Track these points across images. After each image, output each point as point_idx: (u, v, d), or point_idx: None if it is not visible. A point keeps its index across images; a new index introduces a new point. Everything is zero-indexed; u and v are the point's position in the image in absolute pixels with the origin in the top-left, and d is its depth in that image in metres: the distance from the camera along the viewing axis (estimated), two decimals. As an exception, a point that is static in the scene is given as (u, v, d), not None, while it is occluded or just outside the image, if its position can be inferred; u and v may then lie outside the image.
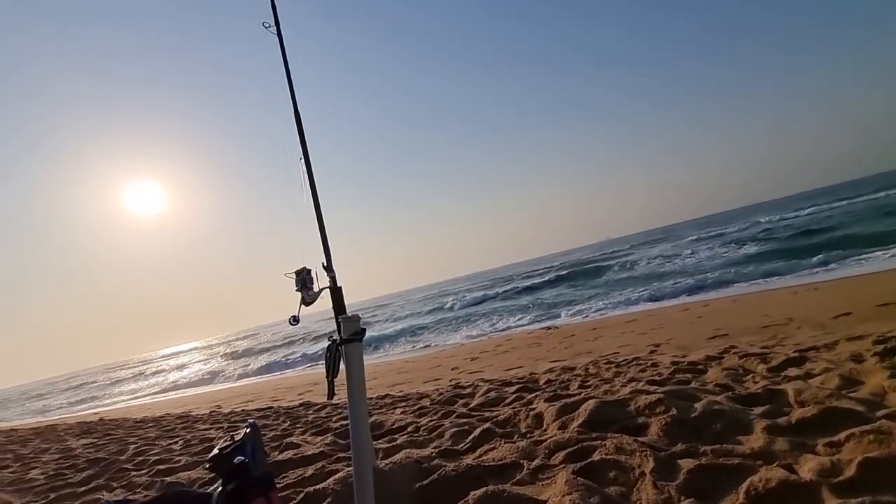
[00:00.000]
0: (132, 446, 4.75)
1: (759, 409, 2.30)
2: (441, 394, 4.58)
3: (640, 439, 2.12)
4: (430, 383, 6.38)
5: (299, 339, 26.70)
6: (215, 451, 1.23)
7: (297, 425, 4.36)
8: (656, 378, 3.43)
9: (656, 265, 20.37)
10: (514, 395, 3.71)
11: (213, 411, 7.53)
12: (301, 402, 6.43)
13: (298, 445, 3.36)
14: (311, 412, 5.14)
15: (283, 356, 20.31)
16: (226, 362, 26.14)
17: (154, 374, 30.87)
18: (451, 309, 22.80)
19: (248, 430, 1.31)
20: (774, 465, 1.73)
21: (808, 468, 1.66)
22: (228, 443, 1.31)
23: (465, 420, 3.20)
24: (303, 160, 2.24)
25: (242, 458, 1.21)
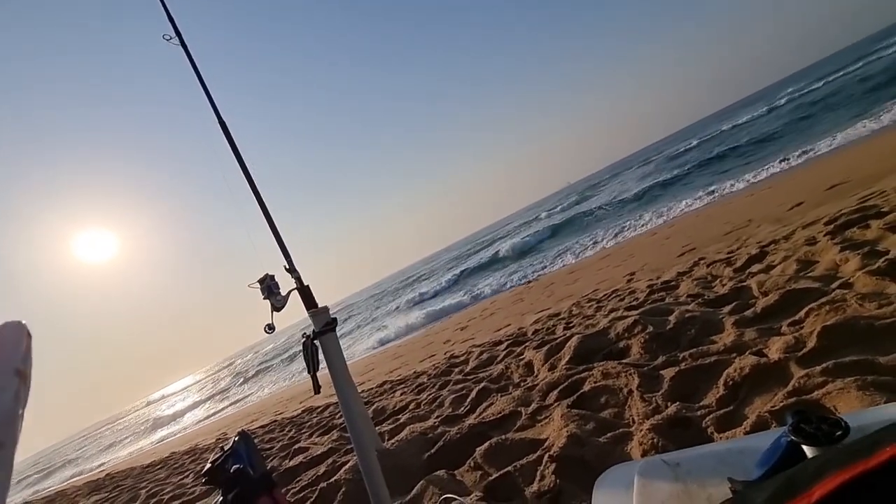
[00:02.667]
0: (143, 491, 4.69)
1: (727, 308, 2.42)
2: (437, 368, 4.65)
3: (624, 361, 2.21)
4: (425, 361, 6.45)
5: (287, 349, 26.49)
6: (207, 464, 1.23)
7: (303, 430, 4.38)
8: (634, 304, 3.55)
9: (615, 202, 20.79)
10: (505, 351, 3.79)
11: (220, 439, 7.47)
12: (303, 409, 6.43)
13: (307, 448, 3.37)
14: (314, 416, 5.15)
15: (274, 370, 20.13)
16: (221, 390, 25.80)
17: (149, 420, 30.24)
18: (417, 301, 22.06)
19: (236, 438, 1.31)
20: (746, 353, 1.83)
21: (775, 349, 1.77)
22: (220, 454, 1.32)
23: (461, 385, 3.26)
24: (239, 169, 2.18)
25: (238, 464, 1.21)
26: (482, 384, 2.95)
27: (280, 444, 4.10)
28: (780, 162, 10.92)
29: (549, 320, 4.72)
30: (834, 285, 2.16)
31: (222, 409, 18.33)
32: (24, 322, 0.38)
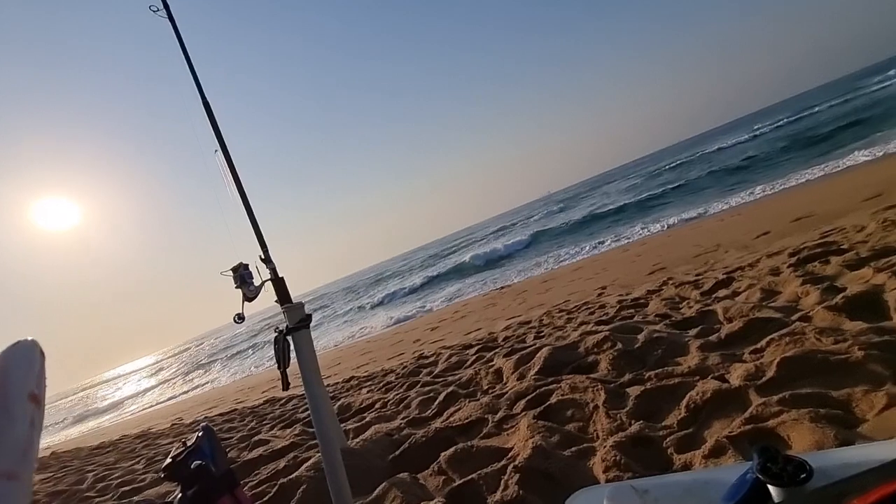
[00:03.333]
0: (91, 474, 4.51)
1: (693, 331, 2.50)
2: (405, 367, 4.64)
3: (592, 376, 2.26)
4: (394, 359, 6.43)
5: (252, 336, 25.97)
6: (168, 459, 1.20)
7: (265, 422, 4.30)
8: (604, 318, 3.62)
9: (591, 212, 21.18)
10: (475, 356, 3.81)
11: (175, 424, 7.26)
12: (265, 399, 6.32)
13: (268, 441, 3.32)
14: (276, 407, 5.07)
15: (240, 356, 19.71)
16: (181, 373, 25.09)
17: (103, 398, 29.15)
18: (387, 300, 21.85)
19: (201, 433, 1.28)
20: (709, 378, 1.90)
21: (736, 376, 1.84)
22: (181, 449, 1.28)
23: (429, 388, 3.26)
24: (219, 151, 2.12)
25: (199, 461, 1.18)
26: (450, 388, 2.96)
27: (239, 434, 4.02)
28: (749, 193, 11.34)
29: (520, 328, 4.77)
30: (794, 317, 2.26)
31: (180, 393, 17.83)
32: (36, 341, 0.36)
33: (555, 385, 2.30)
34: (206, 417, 6.74)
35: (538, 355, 2.80)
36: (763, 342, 2.04)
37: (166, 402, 16.51)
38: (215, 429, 4.43)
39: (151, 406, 16.74)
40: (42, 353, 0.35)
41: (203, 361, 25.92)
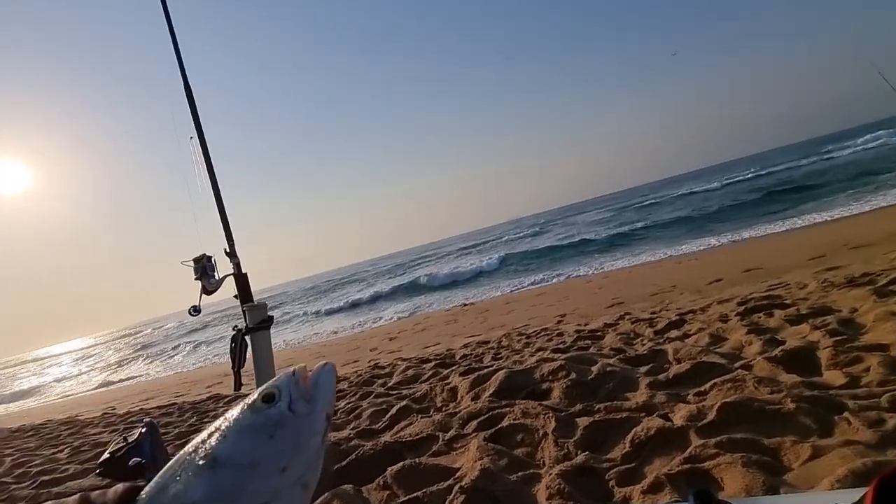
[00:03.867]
0: (8, 458, 4.20)
1: (644, 368, 2.59)
2: (360, 375, 4.58)
3: (544, 403, 2.31)
4: (348, 366, 6.33)
5: (202, 329, 25.01)
6: (106, 454, 1.15)
7: (206, 420, 4.14)
8: (561, 346, 3.71)
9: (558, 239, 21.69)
10: (431, 372, 3.81)
11: (106, 413, 6.86)
12: (209, 395, 6.08)
13: (207, 440, 3.19)
14: (221, 405, 4.89)
15: (187, 348, 18.92)
16: (121, 359, 23.82)
17: (29, 377, 27.26)
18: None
19: (143, 430, 1.23)
20: (654, 415, 1.97)
21: (680, 416, 1.92)
22: (121, 444, 1.23)
23: (382, 399, 3.24)
24: (195, 138, 2.08)
25: (139, 458, 1.14)
26: (404, 401, 2.94)
27: (177, 430, 3.85)
28: (707, 241, 11.93)
29: (479, 347, 4.81)
30: (737, 364, 2.38)
31: (117, 380, 16.90)
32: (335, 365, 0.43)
33: (508, 409, 2.33)
34: (141, 410, 6.42)
35: (494, 377, 2.83)
36: (707, 385, 2.14)
37: (99, 388, 15.59)
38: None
39: (83, 392, 15.77)
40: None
41: (147, 349, 24.73)
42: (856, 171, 17.74)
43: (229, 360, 1.83)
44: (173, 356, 18.35)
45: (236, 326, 1.73)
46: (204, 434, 0.43)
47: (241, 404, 0.44)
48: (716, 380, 2.14)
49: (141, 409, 6.57)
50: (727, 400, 1.89)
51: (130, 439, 1.25)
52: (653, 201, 30.50)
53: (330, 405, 0.39)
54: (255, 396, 0.43)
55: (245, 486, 0.36)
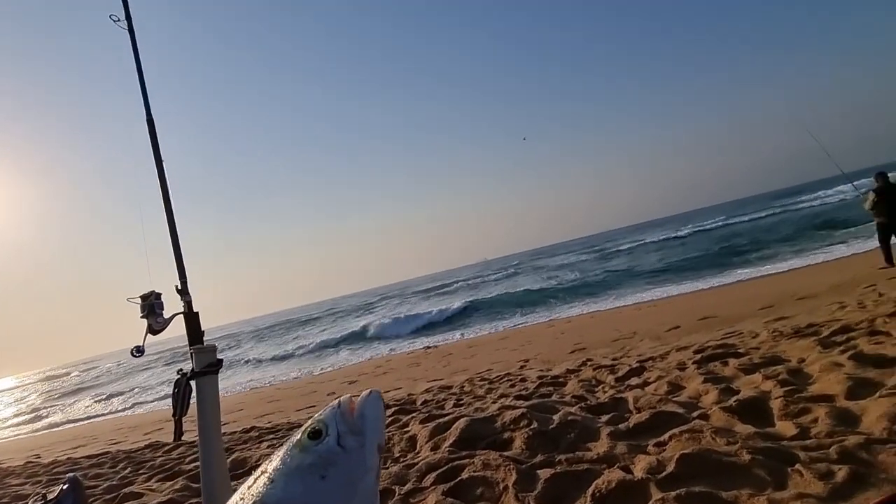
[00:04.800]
0: None
1: (605, 417, 2.58)
2: (315, 422, 4.36)
3: (506, 454, 2.24)
4: (303, 411, 6.04)
5: (145, 369, 23.45)
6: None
7: (141, 471, 3.80)
8: (523, 393, 3.67)
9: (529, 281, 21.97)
10: (390, 419, 3.66)
11: (30, 462, 6.20)
12: (147, 442, 5.62)
13: (141, 495, 2.91)
14: (159, 454, 4.51)
15: (125, 390, 17.64)
16: (49, 401, 21.89)
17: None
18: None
19: (65, 486, 1.11)
20: (615, 466, 1.95)
21: (640, 467, 1.90)
22: (40, 502, 1.10)
23: (338, 449, 3.08)
24: (155, 171, 2.02)
25: (55, 521, 1.02)
26: (360, 452, 2.80)
27: (108, 483, 3.50)
28: (666, 289, 12.37)
29: (440, 392, 4.70)
30: (695, 414, 2.41)
31: (45, 424, 15.47)
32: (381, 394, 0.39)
33: (468, 460, 2.25)
34: (69, 459, 5.85)
35: (455, 426, 2.75)
36: (666, 436, 2.14)
37: (24, 434, 14.20)
38: (80, 474, 3.84)
39: (5, 437, 14.31)
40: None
41: (81, 390, 22.89)
42: (808, 223, 19.26)
43: (171, 405, 1.70)
44: (112, 399, 16.99)
45: (181, 370, 1.62)
46: (250, 480, 0.38)
47: (287, 444, 0.39)
48: (674, 430, 2.15)
49: (69, 457, 5.99)
50: (686, 451, 1.89)
51: (50, 496, 1.12)
52: (616, 248, 31.72)
53: (380, 436, 0.36)
54: (300, 435, 0.39)
55: None
